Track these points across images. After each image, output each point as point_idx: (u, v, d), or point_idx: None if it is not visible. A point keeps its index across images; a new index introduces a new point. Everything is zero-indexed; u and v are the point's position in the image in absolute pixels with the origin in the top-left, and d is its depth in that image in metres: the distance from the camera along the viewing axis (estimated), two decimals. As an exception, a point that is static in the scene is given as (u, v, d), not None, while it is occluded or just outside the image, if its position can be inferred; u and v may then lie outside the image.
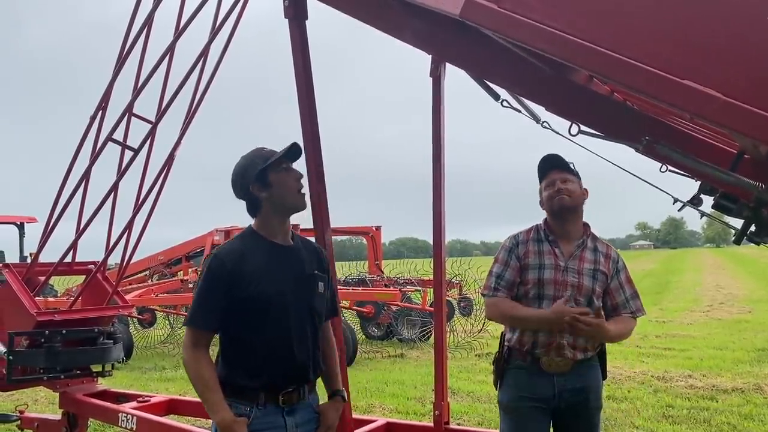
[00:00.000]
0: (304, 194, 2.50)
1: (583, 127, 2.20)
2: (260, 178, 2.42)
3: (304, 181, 2.53)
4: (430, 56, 3.60)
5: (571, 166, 2.98)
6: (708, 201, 2.39)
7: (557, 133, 2.83)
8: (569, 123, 2.37)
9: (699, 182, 2.37)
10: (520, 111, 2.84)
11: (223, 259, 2.39)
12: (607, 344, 3.07)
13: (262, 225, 2.49)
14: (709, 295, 20.73)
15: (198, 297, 2.41)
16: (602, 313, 2.91)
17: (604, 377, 3.07)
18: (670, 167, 2.36)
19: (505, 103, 2.80)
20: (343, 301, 11.23)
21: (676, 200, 2.43)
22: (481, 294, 3.24)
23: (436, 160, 3.87)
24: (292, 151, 2.46)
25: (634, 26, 1.53)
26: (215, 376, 2.36)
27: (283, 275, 2.45)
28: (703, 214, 2.50)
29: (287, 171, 2.46)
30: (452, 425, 3.77)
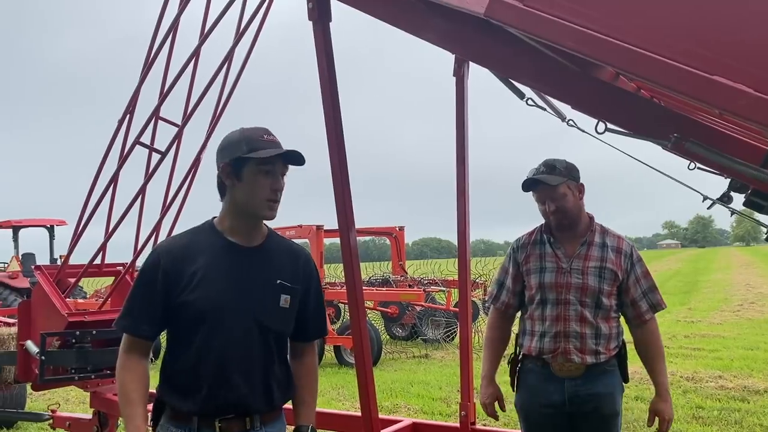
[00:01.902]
0: (273, 205, 2.09)
1: (609, 125, 2.17)
2: (235, 165, 2.05)
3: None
4: (453, 56, 3.60)
5: (556, 167, 2.82)
6: (738, 198, 2.35)
7: (583, 131, 2.80)
8: (595, 121, 2.35)
9: (729, 179, 2.33)
10: (545, 109, 2.82)
11: (159, 255, 2.07)
12: (627, 346, 2.96)
13: (221, 219, 2.14)
14: (740, 294, 20.37)
15: (130, 297, 2.10)
16: (611, 315, 2.83)
17: (625, 381, 2.95)
18: (698, 165, 2.33)
19: (530, 102, 2.78)
20: (367, 302, 11.27)
21: (705, 198, 2.39)
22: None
23: (460, 159, 3.86)
24: (287, 156, 2.06)
25: (662, 22, 1.51)
26: (140, 390, 2.03)
27: (231, 282, 2.06)
28: (733, 211, 2.46)
29: (267, 175, 2.05)
30: (478, 426, 3.75)
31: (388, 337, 12.14)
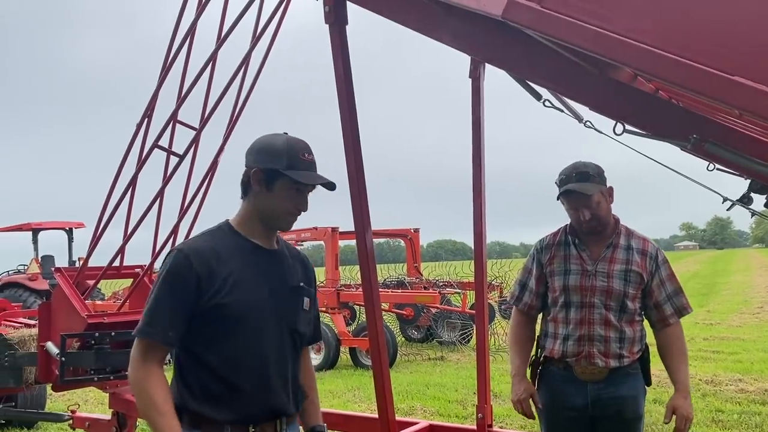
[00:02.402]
0: (293, 221, 2.11)
1: (627, 126, 2.16)
2: (268, 175, 2.02)
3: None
4: (469, 57, 3.60)
5: (590, 173, 2.75)
6: (759, 200, 2.33)
7: (600, 132, 2.80)
8: (613, 122, 2.34)
9: (749, 181, 2.31)
10: (562, 111, 2.82)
11: (189, 256, 1.96)
12: (650, 349, 2.94)
13: (243, 221, 2.09)
14: (759, 297, 20.11)
15: (155, 302, 1.96)
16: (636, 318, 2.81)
17: (648, 384, 2.92)
18: (717, 166, 2.31)
19: (547, 103, 2.78)
20: (383, 304, 11.27)
21: (725, 199, 2.37)
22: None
23: (476, 161, 3.85)
24: (323, 184, 2.07)
25: (681, 22, 1.50)
26: (170, 399, 1.93)
27: (264, 284, 2.04)
28: (753, 213, 2.44)
29: (297, 193, 2.05)
30: (495, 428, 3.74)
31: (403, 339, 12.13)
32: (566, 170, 2.82)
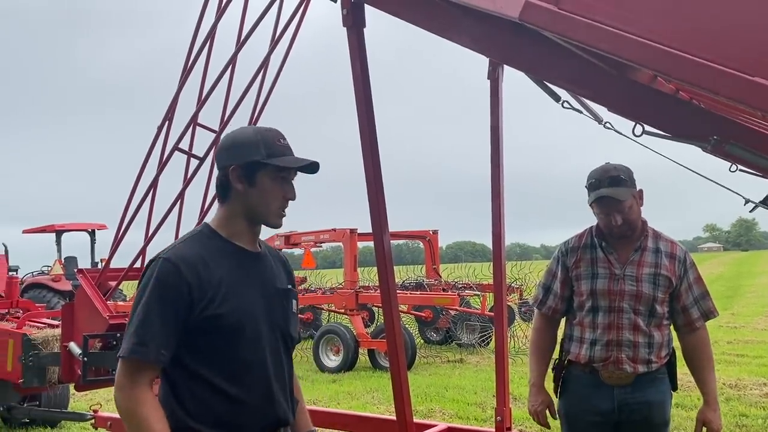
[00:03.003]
0: (283, 214, 1.97)
1: (647, 128, 2.14)
2: (248, 169, 1.88)
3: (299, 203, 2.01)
4: (488, 59, 3.59)
5: (622, 177, 2.70)
6: (782, 201, 2.30)
7: (620, 133, 2.77)
8: (632, 123, 2.32)
9: (772, 182, 2.28)
10: (581, 112, 2.80)
11: (177, 264, 1.79)
12: (677, 352, 2.88)
13: (226, 223, 1.94)
14: (785, 300, 19.77)
15: (144, 317, 1.77)
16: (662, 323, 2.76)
17: (674, 389, 2.87)
18: (741, 167, 2.28)
19: (566, 105, 2.76)
20: (401, 306, 11.27)
21: (747, 201, 2.34)
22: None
23: (494, 163, 3.84)
24: (306, 168, 1.94)
25: (701, 23, 1.49)
26: (167, 424, 1.76)
27: (254, 290, 1.91)
28: (777, 214, 2.41)
29: (283, 182, 1.93)
30: (514, 431, 3.72)
31: (422, 341, 12.11)
32: (596, 173, 2.75)
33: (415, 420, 3.95)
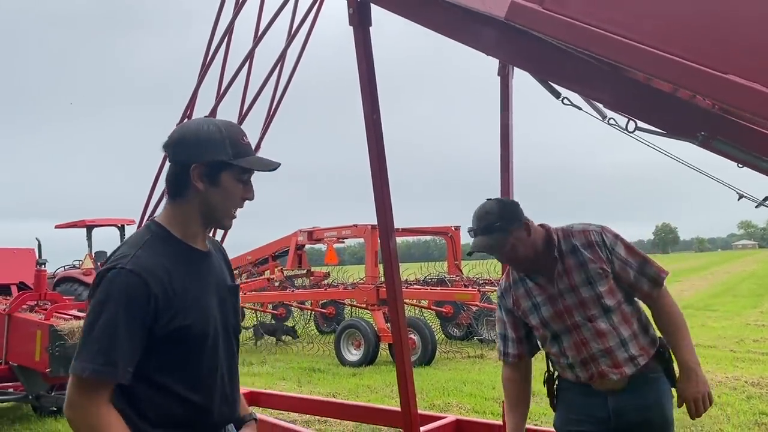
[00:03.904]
0: (235, 216, 1.90)
1: (639, 123, 2.17)
2: (213, 168, 1.79)
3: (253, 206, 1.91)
4: (498, 56, 3.62)
5: (491, 222, 2.55)
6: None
7: (622, 130, 2.78)
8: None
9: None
10: (580, 108, 2.82)
11: (142, 276, 1.69)
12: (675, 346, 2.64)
13: (181, 223, 1.84)
14: (818, 299, 19.33)
15: (107, 332, 1.65)
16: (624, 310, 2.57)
17: (673, 385, 2.66)
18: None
19: (565, 101, 2.77)
20: (422, 301, 11.32)
21: (741, 196, 2.34)
22: None
23: (504, 160, 3.87)
24: (269, 168, 1.88)
25: (677, 21, 1.52)
26: None
27: (210, 293, 1.85)
28: (776, 210, 2.40)
29: (245, 185, 1.86)
30: (527, 426, 3.74)
31: (444, 336, 12.15)
32: (473, 219, 2.63)
33: (425, 412, 4.04)
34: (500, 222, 2.55)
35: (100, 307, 1.67)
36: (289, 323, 13.03)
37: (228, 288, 1.94)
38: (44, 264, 6.74)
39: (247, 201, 1.88)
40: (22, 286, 7.34)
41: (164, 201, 1.89)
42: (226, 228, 1.94)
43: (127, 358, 1.66)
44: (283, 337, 12.42)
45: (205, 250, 1.89)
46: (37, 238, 11.70)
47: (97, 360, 1.64)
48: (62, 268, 15.29)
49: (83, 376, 1.65)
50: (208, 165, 1.78)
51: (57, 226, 16.20)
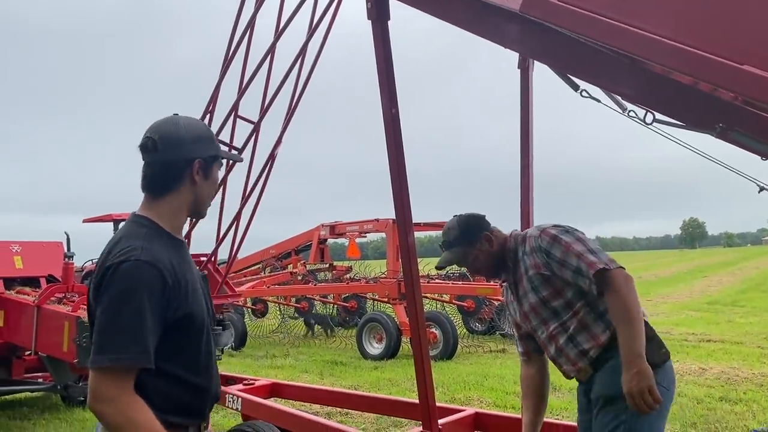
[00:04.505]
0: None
1: (658, 116, 2.16)
2: (209, 162, 1.93)
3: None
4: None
5: (450, 240, 2.79)
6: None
7: (641, 122, 2.76)
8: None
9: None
10: (599, 101, 2.80)
11: (159, 268, 1.77)
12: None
13: (171, 216, 1.92)
14: None
15: (135, 320, 1.71)
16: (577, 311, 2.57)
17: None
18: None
19: (584, 94, 2.76)
20: (444, 295, 11.32)
21: (761, 189, 2.32)
22: None
23: (524, 153, 3.85)
24: (239, 159, 2.09)
25: (691, 12, 1.51)
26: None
27: (197, 282, 1.95)
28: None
29: (217, 177, 2.01)
30: (547, 419, 3.74)
31: (465, 331, 12.13)
32: (442, 234, 2.88)
33: (444, 404, 4.05)
34: (460, 237, 2.76)
35: (123, 298, 1.72)
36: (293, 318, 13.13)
37: (201, 276, 2.04)
38: (72, 257, 6.86)
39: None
40: (50, 279, 7.50)
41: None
42: (204, 216, 2.04)
43: (151, 341, 1.73)
44: (328, 329, 12.55)
45: (182, 240, 1.98)
46: (65, 232, 11.92)
47: (133, 348, 1.70)
48: (89, 262, 15.55)
49: (117, 366, 1.69)
50: (207, 159, 1.91)
51: (85, 221, 16.49)
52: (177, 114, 1.97)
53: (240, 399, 4.36)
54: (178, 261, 1.85)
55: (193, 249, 5.20)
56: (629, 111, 2.94)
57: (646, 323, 2.52)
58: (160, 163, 1.88)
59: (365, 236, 14.00)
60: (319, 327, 12.78)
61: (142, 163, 1.92)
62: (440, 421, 3.42)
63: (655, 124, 2.29)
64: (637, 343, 2.36)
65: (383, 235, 12.85)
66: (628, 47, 1.64)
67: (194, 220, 4.96)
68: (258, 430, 4.06)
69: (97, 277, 1.80)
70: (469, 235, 2.76)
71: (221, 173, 2.09)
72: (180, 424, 1.87)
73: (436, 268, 3.02)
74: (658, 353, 2.50)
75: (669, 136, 2.46)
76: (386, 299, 10.56)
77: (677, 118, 2.11)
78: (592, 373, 2.56)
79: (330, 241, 14.18)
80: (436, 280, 11.77)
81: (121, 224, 1.99)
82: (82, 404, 7.05)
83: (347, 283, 11.90)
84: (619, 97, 2.72)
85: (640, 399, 2.32)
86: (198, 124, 1.96)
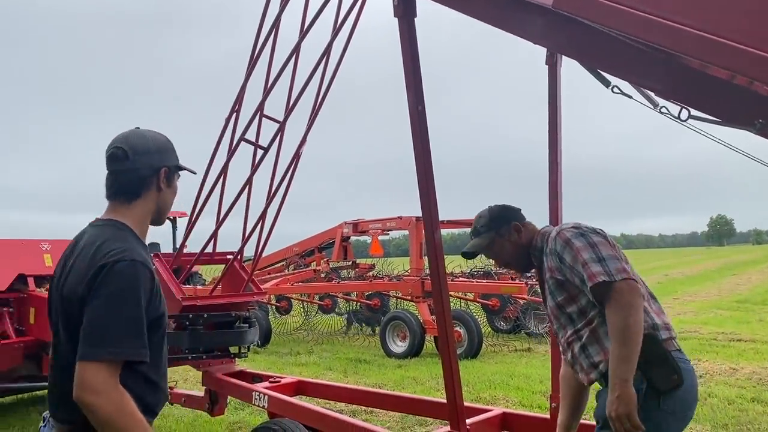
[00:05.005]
0: None
1: (693, 112, 2.10)
2: (173, 171, 2.09)
3: None
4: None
5: (477, 228, 2.77)
6: None
7: (675, 119, 2.71)
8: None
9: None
10: (630, 97, 2.75)
11: (151, 269, 1.90)
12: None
13: (140, 222, 2.04)
14: None
15: (131, 319, 1.80)
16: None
17: (654, 387, 2.34)
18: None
19: (615, 90, 2.71)
20: (468, 294, 11.26)
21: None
22: None
23: (552, 149, 3.81)
24: (192, 170, 2.19)
25: (735, 6, 1.47)
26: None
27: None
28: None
29: (176, 186, 2.15)
30: (584, 421, 3.69)
31: (490, 329, 12.07)
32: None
33: (470, 404, 4.01)
34: (489, 224, 2.74)
35: (124, 294, 1.81)
36: (336, 314, 13.18)
37: None
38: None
39: None
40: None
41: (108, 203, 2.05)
42: (162, 224, 2.15)
43: (142, 334, 1.82)
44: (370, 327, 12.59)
45: None
46: (93, 230, 12.03)
47: (135, 343, 1.80)
48: (116, 259, 15.75)
49: (117, 360, 1.77)
50: (172, 168, 2.07)
51: (112, 219, 16.69)
52: (139, 127, 2.10)
53: (266, 396, 4.37)
54: (153, 265, 1.95)
55: (220, 247, 5.25)
56: (661, 107, 2.89)
57: (663, 342, 2.37)
58: (130, 171, 2.00)
59: (388, 234, 13.98)
60: (355, 325, 12.81)
61: (107, 172, 2.04)
62: (468, 421, 3.40)
63: (689, 120, 2.24)
64: (625, 367, 2.23)
65: (405, 232, 12.83)
66: (662, 41, 1.60)
67: (187, 224, 5.02)
68: (284, 428, 4.07)
69: (84, 273, 1.86)
70: (497, 224, 2.73)
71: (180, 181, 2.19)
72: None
73: (462, 254, 2.95)
74: (666, 379, 2.34)
75: (704, 133, 2.41)
76: (409, 297, 10.53)
77: (713, 114, 2.06)
78: (601, 388, 2.46)
79: (352, 238, 14.19)
80: (460, 279, 11.72)
81: (87, 227, 2.04)
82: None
83: (370, 281, 11.90)
84: (652, 93, 2.66)
85: (619, 425, 2.23)
86: (161, 136, 2.10)
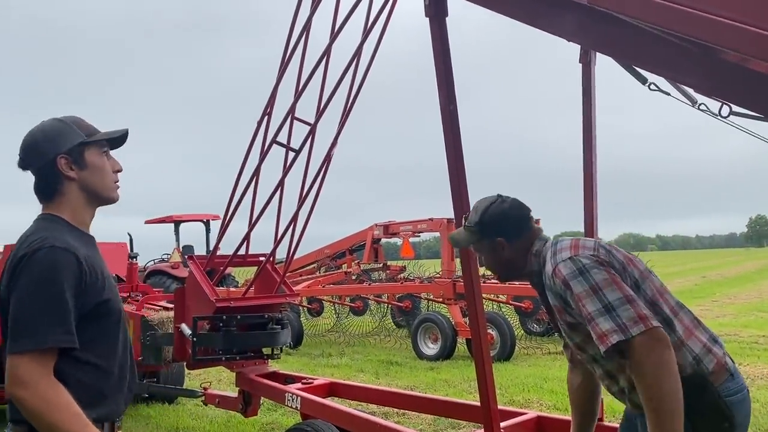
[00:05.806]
0: (118, 187, 2.04)
1: (735, 108, 2.04)
2: (75, 153, 1.91)
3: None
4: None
5: (466, 221, 2.46)
6: None
7: (715, 116, 2.64)
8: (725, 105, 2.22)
9: None
10: (669, 94, 2.69)
11: (74, 253, 1.80)
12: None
13: (73, 212, 1.94)
14: None
15: (53, 305, 1.73)
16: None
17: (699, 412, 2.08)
18: None
19: (652, 87, 2.65)
20: (500, 296, 11.17)
21: None
22: None
23: (587, 149, 3.75)
24: (120, 139, 2.02)
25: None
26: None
27: (111, 275, 1.98)
28: None
29: (107, 156, 2.00)
30: (606, 422, 3.64)
31: (522, 332, 11.94)
32: None
33: (505, 407, 3.97)
34: (476, 224, 2.41)
35: (42, 282, 1.74)
36: (367, 316, 13.18)
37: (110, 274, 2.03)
38: (136, 258, 7.08)
39: (119, 173, 2.02)
40: (116, 279, 7.76)
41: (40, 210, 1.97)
42: (115, 200, 2.03)
43: (68, 321, 1.75)
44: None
45: (90, 234, 2.00)
46: (129, 233, 12.32)
47: (57, 330, 1.73)
48: (152, 262, 16.05)
49: (41, 348, 1.70)
50: (71, 151, 1.91)
51: (147, 222, 17.00)
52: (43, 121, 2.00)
53: (299, 398, 4.38)
54: (92, 253, 1.89)
55: (252, 249, 5.29)
56: (700, 104, 2.82)
57: (711, 381, 2.08)
58: (34, 174, 1.95)
59: (419, 236, 13.96)
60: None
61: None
62: (502, 424, 3.36)
63: (730, 117, 2.18)
64: None
65: (436, 234, 12.78)
66: (702, 34, 1.55)
67: (220, 226, 5.06)
68: (317, 429, 4.07)
69: (9, 268, 1.81)
70: (484, 231, 2.40)
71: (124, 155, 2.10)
72: (94, 420, 1.78)
73: (449, 238, 2.69)
74: (717, 428, 2.07)
75: (745, 129, 2.34)
76: (441, 299, 10.48)
77: (755, 110, 1.99)
78: (637, 414, 2.16)
79: (383, 240, 14.19)
80: (492, 281, 11.63)
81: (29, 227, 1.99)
82: (146, 401, 7.25)
83: (401, 283, 11.88)
84: (690, 90, 2.60)
85: None
86: (49, 124, 1.96)
